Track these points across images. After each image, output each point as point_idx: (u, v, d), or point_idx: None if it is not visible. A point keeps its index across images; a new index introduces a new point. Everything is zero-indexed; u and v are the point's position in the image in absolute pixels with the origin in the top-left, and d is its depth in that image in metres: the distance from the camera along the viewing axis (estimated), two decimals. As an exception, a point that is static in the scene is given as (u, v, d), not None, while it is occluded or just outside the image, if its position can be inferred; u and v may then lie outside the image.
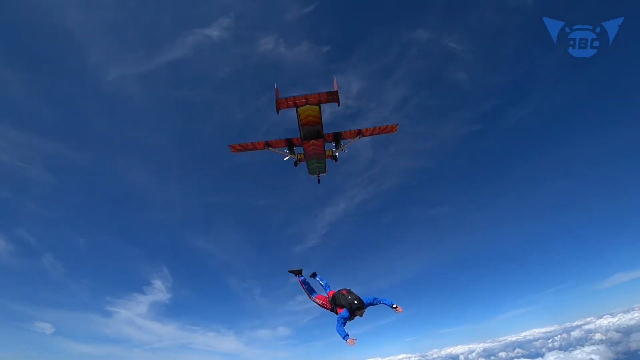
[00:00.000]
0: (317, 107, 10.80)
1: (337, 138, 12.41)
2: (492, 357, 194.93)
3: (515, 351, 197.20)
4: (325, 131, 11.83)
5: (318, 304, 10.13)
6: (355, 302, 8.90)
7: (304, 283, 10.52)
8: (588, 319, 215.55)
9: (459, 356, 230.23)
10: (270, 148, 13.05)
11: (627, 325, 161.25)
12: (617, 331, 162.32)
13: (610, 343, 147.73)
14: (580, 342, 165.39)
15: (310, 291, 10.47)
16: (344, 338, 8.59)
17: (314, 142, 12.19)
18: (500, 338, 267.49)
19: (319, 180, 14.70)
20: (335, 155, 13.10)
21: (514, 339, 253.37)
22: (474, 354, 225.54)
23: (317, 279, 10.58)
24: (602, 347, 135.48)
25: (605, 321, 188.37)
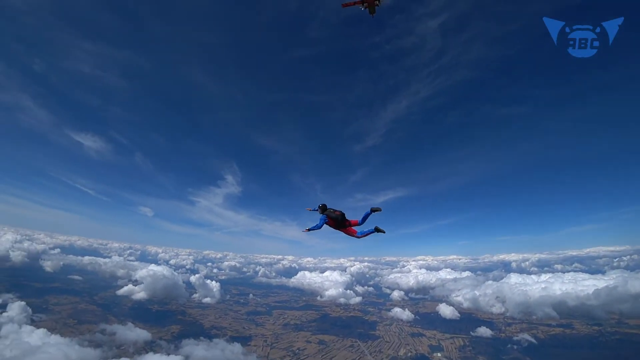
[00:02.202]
0: None
1: None
2: (546, 268, 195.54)
3: (573, 265, 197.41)
4: None
5: (349, 230, 13.98)
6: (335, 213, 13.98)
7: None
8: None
9: (511, 263, 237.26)
10: (357, 4, 23.95)
11: None
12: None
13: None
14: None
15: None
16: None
17: None
18: (559, 251, 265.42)
19: (373, 14, 24.73)
20: (379, 0, 23.82)
21: (574, 253, 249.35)
22: (527, 262, 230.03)
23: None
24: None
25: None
